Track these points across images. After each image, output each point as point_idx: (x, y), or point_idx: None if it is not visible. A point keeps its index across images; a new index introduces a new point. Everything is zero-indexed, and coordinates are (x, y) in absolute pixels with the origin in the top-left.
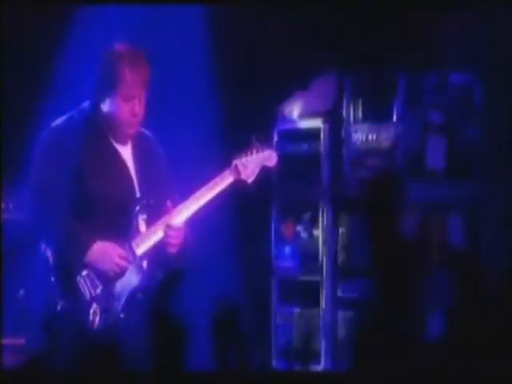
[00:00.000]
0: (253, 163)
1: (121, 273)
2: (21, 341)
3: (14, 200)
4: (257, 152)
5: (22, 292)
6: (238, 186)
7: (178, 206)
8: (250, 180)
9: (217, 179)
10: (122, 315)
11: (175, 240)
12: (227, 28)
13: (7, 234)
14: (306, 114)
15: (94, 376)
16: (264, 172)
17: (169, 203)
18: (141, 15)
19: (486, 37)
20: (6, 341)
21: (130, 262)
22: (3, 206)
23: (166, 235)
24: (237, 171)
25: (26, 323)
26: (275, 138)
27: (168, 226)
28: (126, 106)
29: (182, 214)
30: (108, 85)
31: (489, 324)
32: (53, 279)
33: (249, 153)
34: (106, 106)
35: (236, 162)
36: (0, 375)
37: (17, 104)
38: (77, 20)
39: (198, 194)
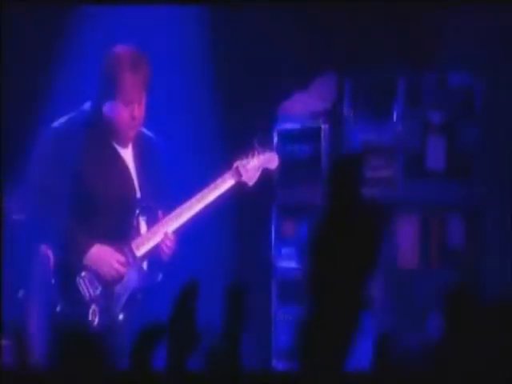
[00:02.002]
0: (254, 166)
1: (118, 277)
2: None
3: (14, 200)
4: (258, 154)
5: (21, 292)
6: (239, 188)
7: (179, 207)
8: (251, 183)
9: (218, 181)
10: (121, 316)
11: (168, 251)
12: (227, 28)
13: (7, 234)
14: (306, 114)
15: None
16: (265, 174)
17: (160, 214)
18: (141, 16)
19: (486, 37)
20: (6, 341)
21: (128, 267)
22: (3, 206)
23: (162, 244)
24: (238, 173)
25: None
26: (275, 138)
27: (165, 235)
28: (125, 110)
29: (183, 216)
30: (108, 88)
31: (489, 325)
32: (53, 280)
33: (250, 155)
34: (106, 109)
35: (237, 164)
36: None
37: (17, 104)
38: (78, 21)
39: (198, 196)
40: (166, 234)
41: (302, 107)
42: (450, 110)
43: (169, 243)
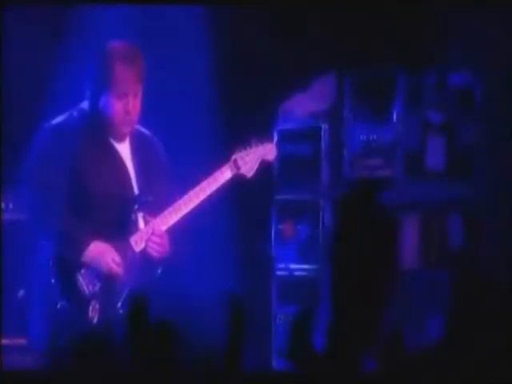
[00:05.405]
0: (252, 157)
1: (117, 273)
2: (21, 341)
3: (14, 200)
4: (256, 145)
5: (21, 292)
6: (237, 180)
7: (177, 201)
8: (249, 175)
9: (216, 174)
10: (121, 311)
11: (158, 248)
12: (228, 27)
13: (7, 234)
14: (306, 113)
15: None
16: (265, 171)
17: (159, 208)
18: (141, 15)
19: (486, 37)
20: (6, 341)
21: (127, 262)
22: (3, 206)
23: (149, 242)
24: (236, 166)
25: (27, 323)
26: (275, 138)
27: (152, 233)
28: (119, 104)
29: (182, 210)
30: (102, 83)
31: (489, 325)
32: (52, 278)
33: (247, 147)
34: (101, 104)
35: (235, 156)
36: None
37: (17, 104)
38: (77, 19)
39: (197, 189)
40: (153, 231)
41: (302, 107)
42: (450, 110)
43: (155, 239)
